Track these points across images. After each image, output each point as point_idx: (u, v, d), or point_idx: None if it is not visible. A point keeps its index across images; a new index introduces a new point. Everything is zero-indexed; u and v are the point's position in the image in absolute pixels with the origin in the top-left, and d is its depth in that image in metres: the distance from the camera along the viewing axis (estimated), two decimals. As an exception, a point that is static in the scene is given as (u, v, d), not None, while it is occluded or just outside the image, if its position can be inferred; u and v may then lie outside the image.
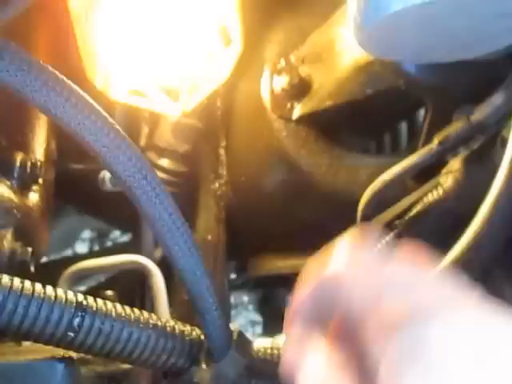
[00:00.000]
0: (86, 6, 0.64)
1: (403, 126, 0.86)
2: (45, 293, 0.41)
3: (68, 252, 1.28)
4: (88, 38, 0.66)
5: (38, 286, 0.41)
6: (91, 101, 0.43)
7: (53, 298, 0.40)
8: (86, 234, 1.31)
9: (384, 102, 0.69)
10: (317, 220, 0.88)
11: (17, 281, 0.41)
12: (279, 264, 0.96)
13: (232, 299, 1.16)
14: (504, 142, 0.61)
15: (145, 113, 0.84)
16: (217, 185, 0.97)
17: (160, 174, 0.89)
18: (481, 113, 0.59)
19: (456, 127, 0.60)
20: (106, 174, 0.82)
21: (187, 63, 0.72)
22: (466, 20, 0.30)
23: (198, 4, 0.69)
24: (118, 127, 0.43)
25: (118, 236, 1.30)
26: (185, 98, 0.75)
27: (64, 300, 0.41)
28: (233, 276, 1.08)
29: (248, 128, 0.91)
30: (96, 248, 1.31)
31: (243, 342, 0.51)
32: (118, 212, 0.86)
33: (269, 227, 0.93)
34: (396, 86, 0.64)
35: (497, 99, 0.58)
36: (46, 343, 0.42)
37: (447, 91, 0.60)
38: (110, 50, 0.69)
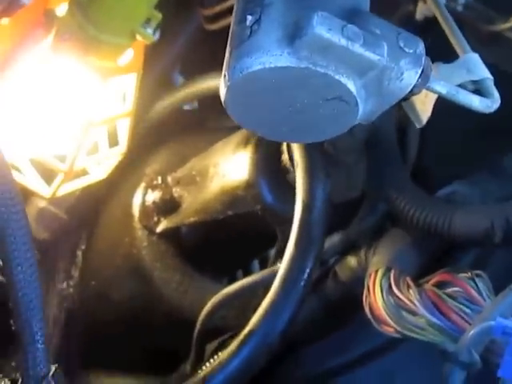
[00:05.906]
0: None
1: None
2: None
3: None
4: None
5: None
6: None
7: None
8: None
9: (242, 225, 0.75)
10: (159, 339, 0.88)
11: None
12: (105, 382, 0.92)
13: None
14: (336, 277, 0.68)
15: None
16: (64, 285, 0.96)
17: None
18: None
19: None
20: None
21: (65, 146, 0.74)
22: (306, 97, 0.35)
23: (89, 98, 0.73)
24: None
25: None
26: (57, 183, 0.77)
27: None
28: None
29: (112, 233, 0.93)
30: None
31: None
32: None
33: (108, 339, 0.91)
34: (253, 210, 0.71)
35: (334, 237, 0.66)
36: None
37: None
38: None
